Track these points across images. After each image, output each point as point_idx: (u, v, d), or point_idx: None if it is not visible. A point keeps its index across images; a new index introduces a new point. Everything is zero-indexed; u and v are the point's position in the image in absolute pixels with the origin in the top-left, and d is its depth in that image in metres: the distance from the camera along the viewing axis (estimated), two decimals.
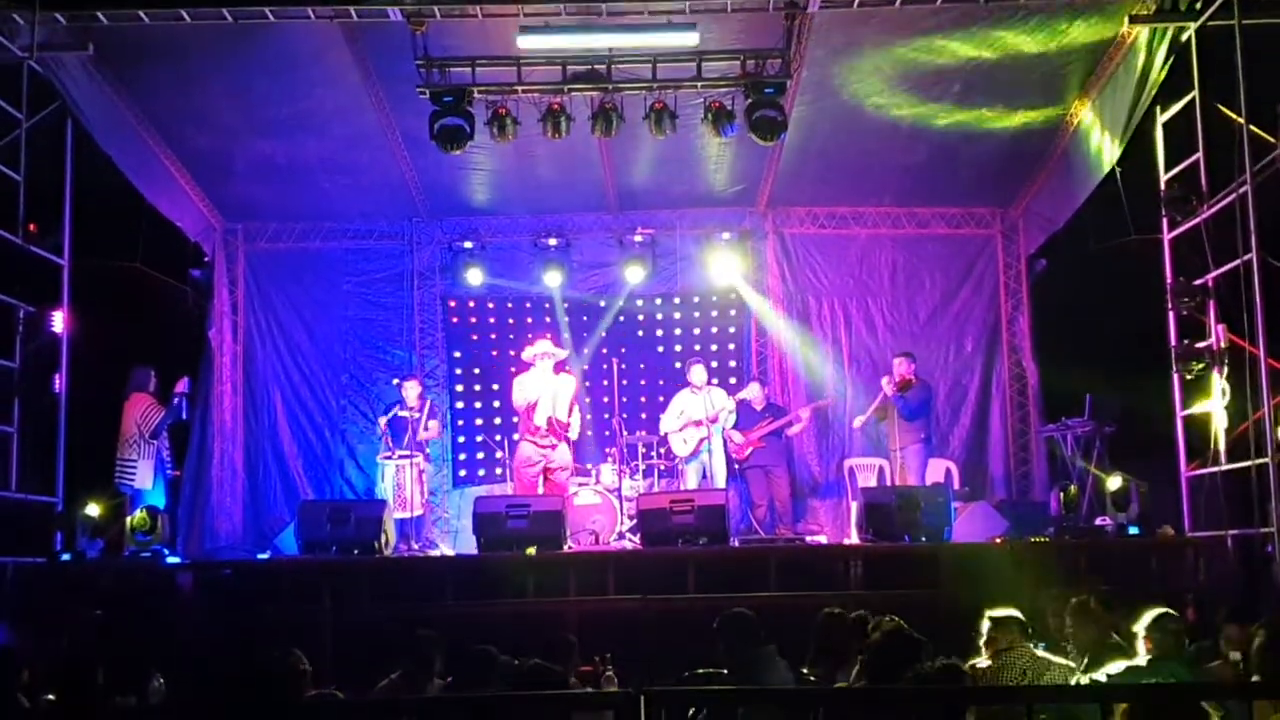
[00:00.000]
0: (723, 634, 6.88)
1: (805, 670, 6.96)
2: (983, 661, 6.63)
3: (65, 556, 11.05)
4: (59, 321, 11.56)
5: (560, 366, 13.29)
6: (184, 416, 13.04)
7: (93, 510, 11.49)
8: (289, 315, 15.24)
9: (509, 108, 11.53)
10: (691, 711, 5.61)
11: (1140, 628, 6.67)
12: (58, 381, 11.52)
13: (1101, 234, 12.96)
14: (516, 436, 13.66)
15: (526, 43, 11.12)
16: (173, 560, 11.33)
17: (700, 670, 6.79)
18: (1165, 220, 11.90)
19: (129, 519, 11.36)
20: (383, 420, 13.24)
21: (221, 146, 13.23)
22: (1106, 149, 12.22)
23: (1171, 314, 11.76)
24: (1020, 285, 15.17)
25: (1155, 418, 12.23)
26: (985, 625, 6.71)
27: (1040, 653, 6.77)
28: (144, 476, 12.18)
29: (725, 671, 6.52)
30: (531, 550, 10.72)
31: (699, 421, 13.52)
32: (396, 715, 5.51)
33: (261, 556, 12.57)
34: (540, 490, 12.77)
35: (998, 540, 11.49)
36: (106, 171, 12.01)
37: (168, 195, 13.50)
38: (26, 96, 11.28)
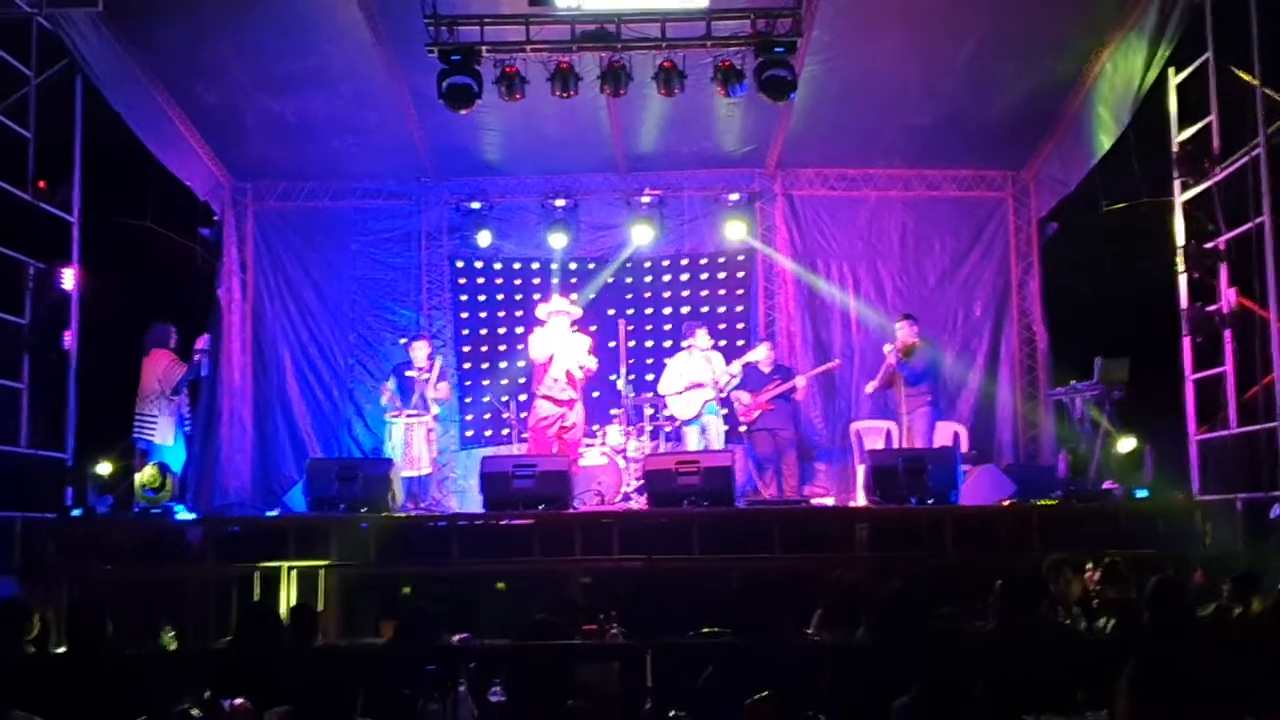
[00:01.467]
0: (736, 593, 6.89)
1: (811, 633, 6.97)
2: (990, 624, 6.63)
3: (75, 512, 11.10)
4: (69, 278, 11.55)
5: (576, 324, 13.28)
6: (204, 373, 13.09)
7: (103, 467, 11.55)
8: (298, 274, 15.25)
9: (518, 66, 11.49)
10: (705, 674, 5.63)
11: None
12: (67, 338, 11.53)
13: (1113, 197, 12.88)
14: (524, 398, 13.66)
15: None
16: (183, 516, 11.38)
17: (706, 630, 6.82)
18: (1177, 183, 11.85)
19: (138, 475, 11.41)
20: (386, 385, 13.24)
21: (231, 104, 13.19)
22: (1119, 111, 12.17)
23: (1182, 277, 11.72)
24: (1031, 249, 15.10)
25: (1165, 381, 12.21)
26: (996, 588, 6.70)
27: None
28: (164, 433, 12.20)
29: (730, 631, 6.54)
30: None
31: (702, 384, 13.48)
32: (405, 663, 5.55)
33: (270, 514, 12.60)
34: (555, 449, 12.78)
35: (1005, 503, 11.49)
36: (115, 129, 11.98)
37: (177, 153, 13.49)
38: (35, 53, 11.23)
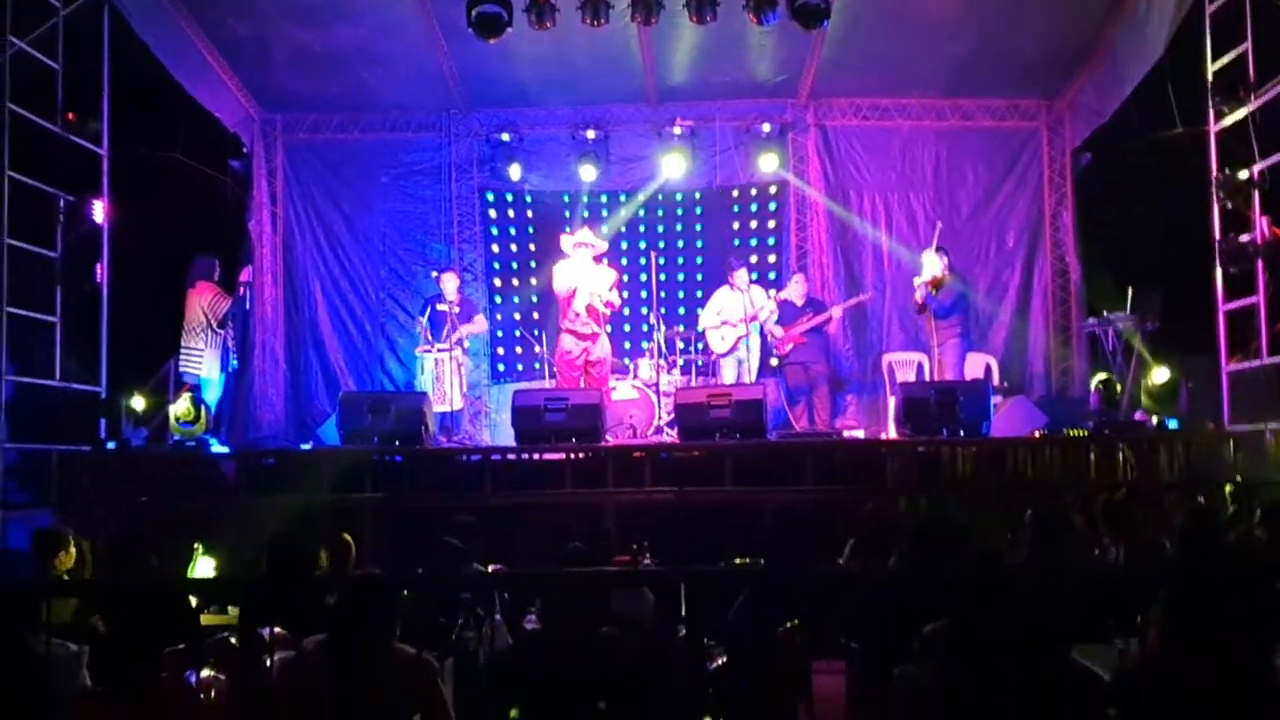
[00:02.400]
0: (769, 525, 6.90)
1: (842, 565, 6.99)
2: (1021, 554, 6.63)
3: (110, 445, 11.19)
4: (99, 211, 11.59)
5: (600, 258, 13.25)
6: (248, 306, 13.15)
7: (137, 400, 11.63)
8: (328, 207, 15.26)
9: None
10: (737, 604, 5.65)
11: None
12: (99, 271, 11.58)
13: (1148, 127, 12.74)
14: (557, 333, 13.67)
15: None
16: (217, 449, 11.46)
17: (738, 561, 6.84)
18: (1212, 112, 11.69)
19: (172, 408, 11.49)
20: (422, 319, 13.24)
21: (259, 35, 13.12)
22: (1154, 40, 11.97)
23: (1215, 207, 11.59)
24: (1065, 179, 14.96)
25: (1197, 313, 12.11)
26: (1026, 518, 6.69)
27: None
28: (210, 366, 12.29)
29: (763, 562, 6.56)
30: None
31: (734, 323, 13.45)
32: (441, 589, 5.60)
33: (304, 447, 12.68)
34: (581, 384, 12.80)
35: (1036, 435, 11.46)
36: (144, 60, 11.96)
37: (206, 85, 13.47)
38: None
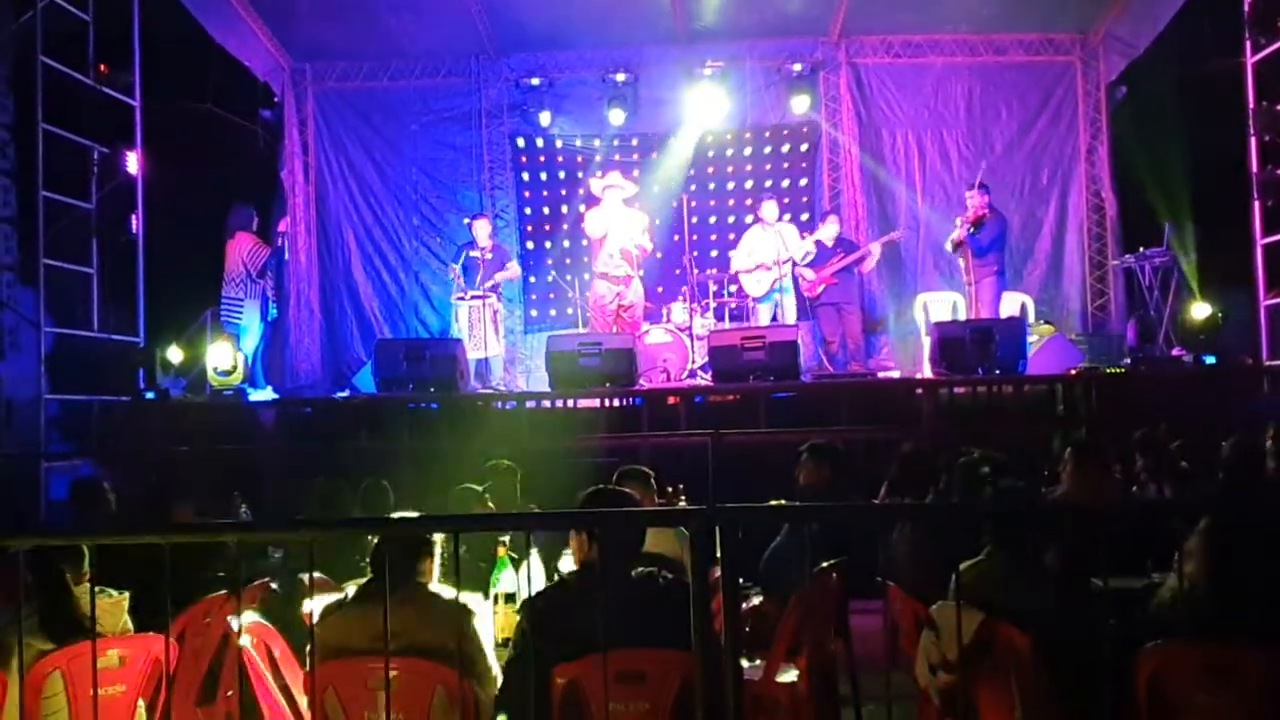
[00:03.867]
0: (806, 461, 6.90)
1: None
2: (1061, 489, 6.61)
3: (148, 394, 11.28)
4: (133, 162, 11.63)
5: (631, 201, 13.21)
6: (285, 256, 13.20)
7: (174, 350, 11.71)
8: (359, 155, 15.27)
9: None
10: (774, 544, 5.66)
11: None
12: (134, 222, 11.63)
13: (1184, 59, 12.58)
14: (588, 277, 13.63)
15: None
16: (255, 397, 11.53)
17: (774, 501, 6.84)
18: (1249, 43, 11.53)
19: (210, 357, 11.56)
20: (454, 267, 13.23)
21: None
22: None
23: (1253, 140, 11.46)
24: (1100, 114, 14.81)
25: (1234, 247, 12.01)
26: (1066, 454, 6.66)
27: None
28: (250, 315, 12.36)
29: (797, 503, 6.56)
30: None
31: (769, 265, 13.39)
32: (473, 529, 5.64)
33: (341, 395, 12.74)
34: (614, 329, 12.80)
35: (1073, 372, 11.40)
36: (174, 11, 12.00)
37: (235, 34, 13.47)
38: None
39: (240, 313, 12.35)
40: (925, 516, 5.35)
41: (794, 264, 13.45)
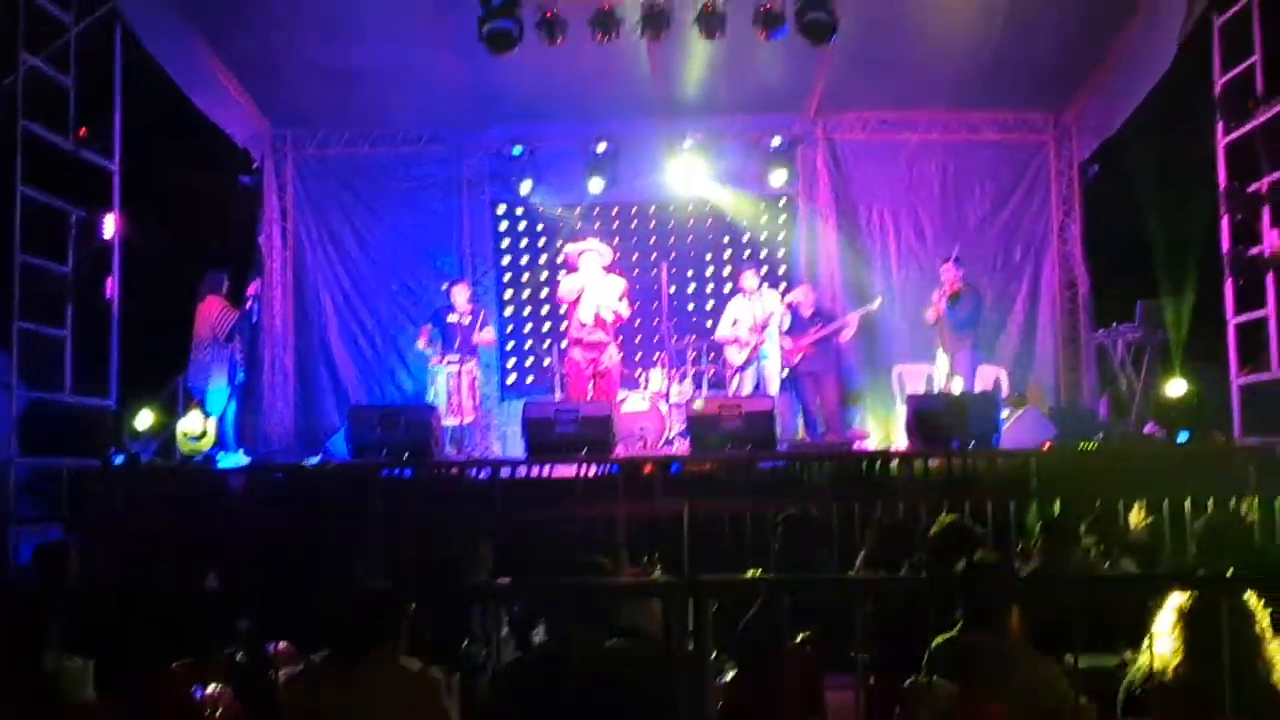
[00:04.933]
0: (781, 534, 6.89)
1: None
2: (1032, 565, 6.63)
3: (118, 459, 11.20)
4: (110, 225, 11.62)
5: (608, 269, 13.27)
6: (255, 319, 13.17)
7: (145, 414, 11.65)
8: (339, 221, 15.31)
9: (558, 10, 11.44)
10: (748, 616, 5.63)
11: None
12: (110, 285, 11.61)
13: (1155, 140, 12.75)
14: (565, 343, 13.63)
15: None
16: (225, 463, 11.47)
17: (750, 573, 6.82)
18: (1220, 124, 11.69)
19: (180, 423, 11.51)
20: (425, 328, 13.22)
21: (270, 51, 13.18)
22: (1161, 52, 11.99)
23: (1224, 220, 11.59)
24: (1073, 191, 14.99)
25: (1207, 324, 12.11)
26: (1037, 530, 6.69)
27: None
28: (217, 380, 12.31)
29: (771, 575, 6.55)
30: None
31: (750, 332, 13.43)
32: (448, 601, 5.60)
33: (312, 460, 12.68)
34: (591, 394, 12.80)
35: (1047, 446, 11.44)
36: (155, 76, 12.02)
37: (216, 100, 13.52)
38: (75, 0, 11.27)
39: (208, 377, 12.31)
40: (900, 589, 5.35)
41: (777, 326, 13.48)
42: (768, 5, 11.40)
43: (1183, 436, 11.09)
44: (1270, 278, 11.03)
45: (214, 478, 11.13)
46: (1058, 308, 14.91)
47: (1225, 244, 11.58)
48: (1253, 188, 11.24)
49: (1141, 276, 13.06)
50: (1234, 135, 11.52)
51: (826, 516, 8.09)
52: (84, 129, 11.44)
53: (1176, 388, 11.44)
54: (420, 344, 13.25)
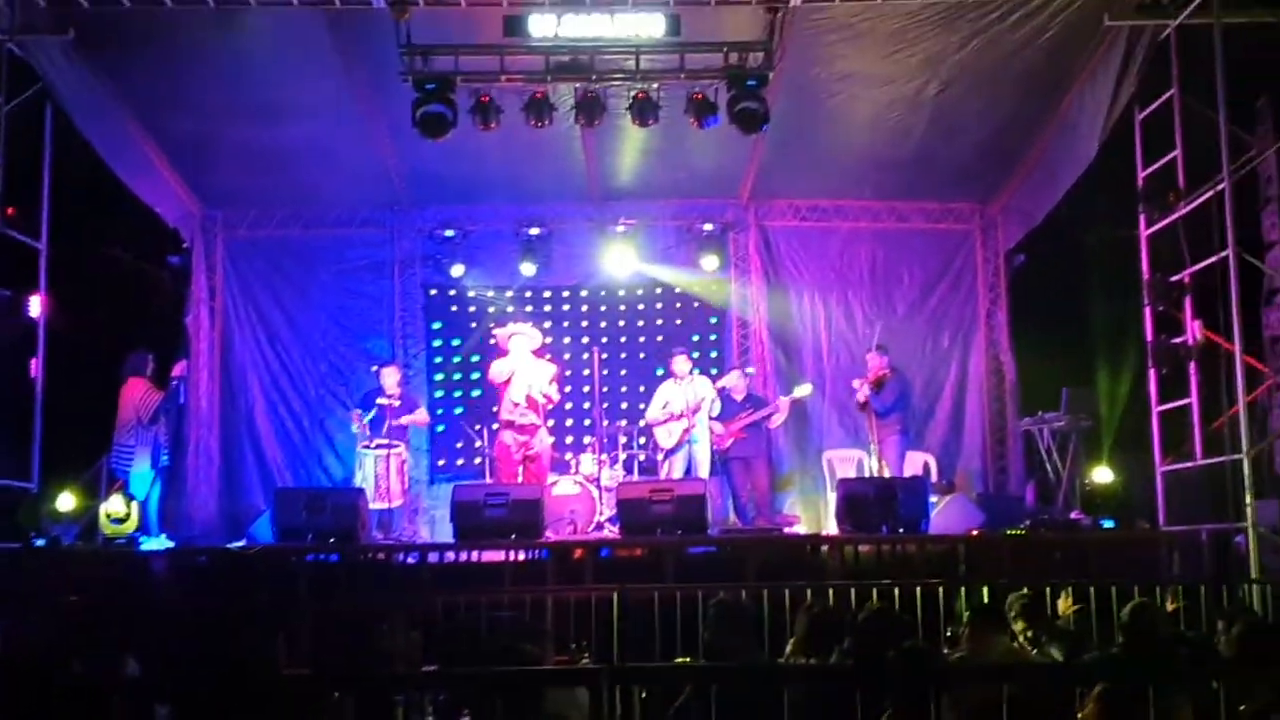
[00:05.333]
0: (712, 620, 6.87)
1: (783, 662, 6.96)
2: (960, 652, 6.64)
3: (39, 541, 11.00)
4: (36, 306, 11.50)
5: (539, 353, 13.27)
6: (181, 401, 13.02)
7: (67, 497, 11.45)
8: (268, 303, 15.19)
9: (492, 96, 11.52)
10: (678, 704, 5.60)
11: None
12: (34, 366, 11.46)
13: (1080, 230, 13.02)
14: (496, 426, 13.57)
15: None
16: (148, 546, 11.29)
17: (679, 660, 6.79)
18: (1143, 216, 11.96)
19: (104, 505, 11.33)
20: (356, 413, 13.15)
21: (202, 132, 13.13)
22: (1086, 145, 12.25)
23: (1148, 310, 11.81)
24: (999, 280, 15.21)
25: (1131, 412, 12.30)
26: (965, 617, 6.72)
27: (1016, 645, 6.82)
28: (140, 462, 12.13)
29: (701, 662, 6.52)
30: None
31: (681, 414, 13.44)
32: (371, 688, 5.51)
33: (236, 544, 12.50)
34: (521, 477, 12.74)
35: (974, 533, 11.53)
36: (85, 156, 11.93)
37: (147, 181, 13.41)
38: (5, 78, 11.21)
39: (131, 460, 12.14)
40: (830, 677, 5.34)
41: (706, 415, 13.50)
42: (700, 94, 11.52)
43: (1108, 524, 11.22)
44: (1193, 367, 11.24)
45: (136, 561, 10.95)
46: (985, 395, 15.06)
47: (1149, 334, 11.79)
48: (1175, 278, 11.47)
49: (1066, 364, 13.26)
50: (1156, 227, 11.79)
51: (757, 602, 8.07)
52: (11, 209, 11.35)
53: (1103, 475, 11.57)
54: (355, 427, 13.14)
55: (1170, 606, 8.28)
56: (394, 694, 5.32)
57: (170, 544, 11.88)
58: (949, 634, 7.80)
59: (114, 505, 11.36)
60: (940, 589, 8.83)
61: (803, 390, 14.10)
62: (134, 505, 11.48)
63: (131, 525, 11.34)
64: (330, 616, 9.41)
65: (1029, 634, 7.14)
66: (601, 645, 8.53)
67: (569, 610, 9.41)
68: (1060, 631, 7.45)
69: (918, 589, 9.40)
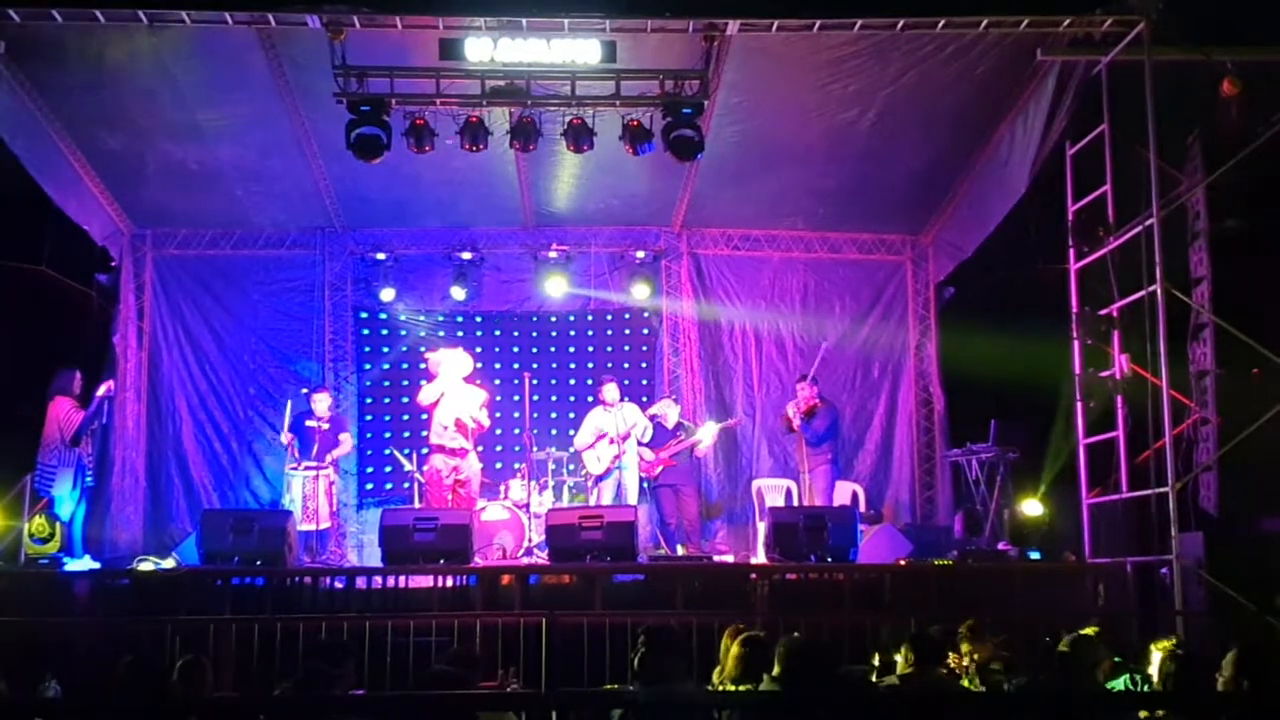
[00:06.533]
0: (643, 646, 6.84)
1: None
2: (891, 680, 6.67)
3: None
4: None
5: (470, 378, 13.23)
6: (105, 420, 12.84)
7: None
8: (197, 323, 15.04)
9: (427, 119, 11.49)
10: None
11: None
12: None
13: (1010, 263, 13.17)
14: (425, 450, 13.49)
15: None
16: (72, 567, 11.12)
17: (609, 686, 6.76)
18: (1072, 250, 12.11)
19: (27, 525, 11.15)
20: (284, 435, 13.05)
21: (133, 150, 13.02)
22: (1016, 179, 12.42)
23: (1076, 343, 11.95)
24: (929, 312, 15.35)
25: (1059, 445, 12.43)
26: (905, 645, 6.75)
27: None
28: (63, 482, 11.94)
29: (631, 688, 6.50)
30: None
31: (612, 439, 13.43)
32: (300, 715, 5.44)
33: (163, 565, 12.31)
34: (450, 502, 12.68)
35: (902, 562, 11.61)
36: (12, 171, 11.74)
37: (76, 198, 13.26)
38: None
39: (52, 480, 11.95)
40: (765, 705, 5.34)
41: (637, 439, 13.49)
42: (636, 121, 11.56)
43: (1034, 555, 11.34)
44: (1120, 401, 11.38)
45: (59, 582, 10.77)
46: (914, 426, 15.18)
47: (1077, 367, 11.92)
48: (1104, 312, 11.62)
49: (995, 396, 13.39)
50: (1085, 261, 11.94)
51: (686, 629, 8.07)
52: None
53: (1032, 508, 11.69)
54: (285, 442, 13.03)
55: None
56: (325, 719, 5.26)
57: (94, 565, 11.70)
58: (877, 661, 7.84)
59: (37, 525, 11.17)
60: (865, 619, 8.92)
61: (730, 421, 14.20)
62: (58, 525, 11.30)
63: (55, 546, 11.16)
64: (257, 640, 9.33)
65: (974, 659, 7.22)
66: (530, 672, 8.50)
67: (496, 636, 9.38)
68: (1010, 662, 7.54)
69: (845, 618, 9.51)
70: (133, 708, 5.45)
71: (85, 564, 11.61)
